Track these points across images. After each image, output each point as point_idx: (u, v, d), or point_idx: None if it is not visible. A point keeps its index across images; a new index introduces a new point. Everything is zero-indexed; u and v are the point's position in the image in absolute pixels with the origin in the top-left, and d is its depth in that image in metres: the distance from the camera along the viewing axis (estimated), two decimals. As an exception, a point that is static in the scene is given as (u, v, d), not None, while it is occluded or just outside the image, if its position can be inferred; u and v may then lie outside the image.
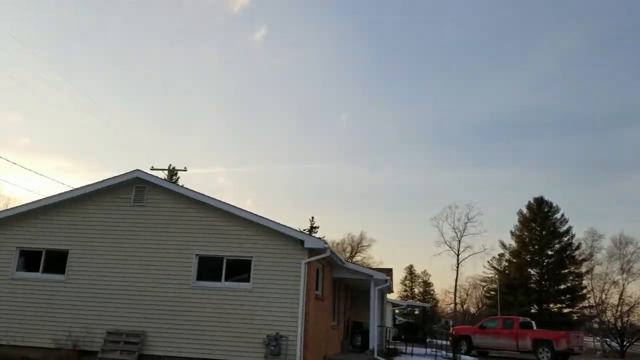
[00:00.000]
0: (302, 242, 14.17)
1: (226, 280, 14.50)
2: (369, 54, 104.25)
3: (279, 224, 14.35)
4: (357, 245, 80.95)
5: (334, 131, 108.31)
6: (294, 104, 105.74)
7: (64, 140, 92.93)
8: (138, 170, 15.54)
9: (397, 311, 44.57)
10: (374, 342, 17.90)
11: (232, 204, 14.82)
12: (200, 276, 14.62)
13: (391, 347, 25.31)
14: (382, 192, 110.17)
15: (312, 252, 14.27)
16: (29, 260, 15.57)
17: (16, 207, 15.69)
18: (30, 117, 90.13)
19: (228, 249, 14.63)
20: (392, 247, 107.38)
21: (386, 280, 18.22)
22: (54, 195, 15.54)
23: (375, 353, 17.58)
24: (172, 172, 42.02)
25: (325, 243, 14.31)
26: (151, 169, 37.48)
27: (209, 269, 14.67)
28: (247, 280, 14.33)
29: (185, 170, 40.31)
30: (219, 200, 14.88)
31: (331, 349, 17.50)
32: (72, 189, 15.78)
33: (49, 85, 70.41)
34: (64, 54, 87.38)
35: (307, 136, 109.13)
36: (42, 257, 15.42)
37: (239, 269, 14.56)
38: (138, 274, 14.69)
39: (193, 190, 15.25)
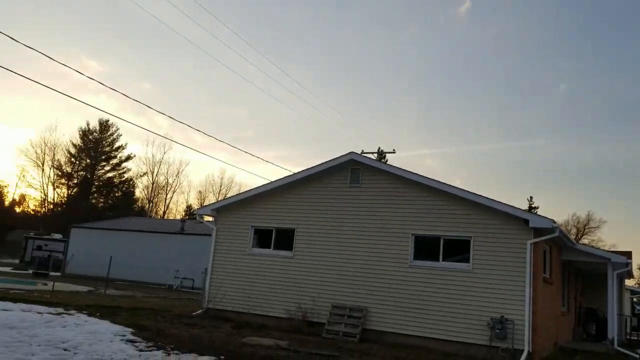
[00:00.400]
0: (526, 222, 13.16)
1: (444, 260, 14.20)
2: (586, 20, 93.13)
3: (499, 202, 13.55)
4: (583, 227, 73.82)
5: (550, 103, 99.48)
6: (503, 77, 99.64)
7: (280, 131, 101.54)
8: (352, 152, 16.03)
9: (635, 299, 39.52)
10: (613, 332, 15.99)
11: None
12: (417, 255, 14.56)
13: (631, 337, 22.44)
14: (611, 167, 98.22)
15: (538, 232, 13.17)
16: (262, 237, 17.18)
17: (250, 190, 17.41)
18: (253, 111, 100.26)
19: (445, 229, 14.30)
20: (628, 229, 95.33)
21: (627, 264, 16.08)
22: (280, 179, 16.87)
23: (616, 344, 15.69)
24: (381, 155, 42.93)
25: (554, 222, 13.07)
26: (361, 153, 38.65)
27: (425, 248, 14.53)
28: (466, 260, 13.84)
29: (393, 153, 40.89)
30: (434, 180, 14.60)
31: (562, 336, 16.11)
32: (294, 172, 16.95)
33: (267, 80, 77.27)
34: (279, 48, 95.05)
35: (519, 111, 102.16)
36: (273, 235, 16.88)
37: (457, 249, 14.13)
38: (357, 252, 15.21)
39: (407, 170, 15.20)
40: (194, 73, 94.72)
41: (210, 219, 18.03)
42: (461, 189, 14.17)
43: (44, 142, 71.17)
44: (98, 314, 14.69)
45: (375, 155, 41.89)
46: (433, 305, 13.84)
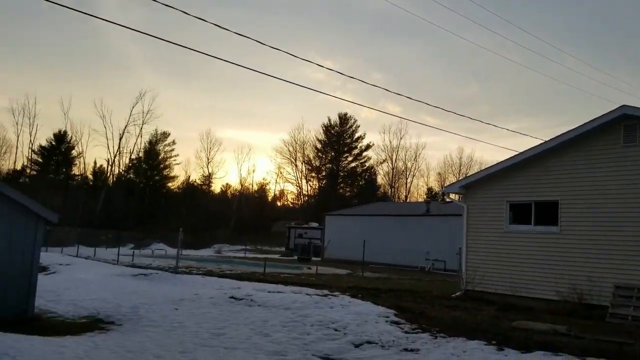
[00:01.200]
0: None
1: None
2: None
3: None
4: None
5: None
6: None
7: (518, 100, 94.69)
8: (625, 105, 13.52)
9: None
10: None
11: None
12: None
13: None
14: None
15: None
16: (518, 213, 15.69)
17: (501, 162, 16.01)
18: (484, 85, 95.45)
19: None
20: None
21: None
22: (535, 147, 15.16)
23: None
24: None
25: None
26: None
27: None
28: None
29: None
30: None
31: None
32: (552, 138, 15.04)
33: (496, 49, 72.52)
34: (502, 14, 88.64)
35: None
36: (532, 210, 15.26)
37: None
38: (642, 223, 12.77)
39: None
40: (412, 57, 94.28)
41: (456, 197, 17.19)
42: None
43: (295, 141, 78.43)
44: (360, 295, 15.05)
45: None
46: None
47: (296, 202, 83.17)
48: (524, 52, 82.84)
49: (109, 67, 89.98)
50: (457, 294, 16.28)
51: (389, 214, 35.20)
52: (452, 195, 18.15)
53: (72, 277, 16.72)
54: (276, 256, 43.72)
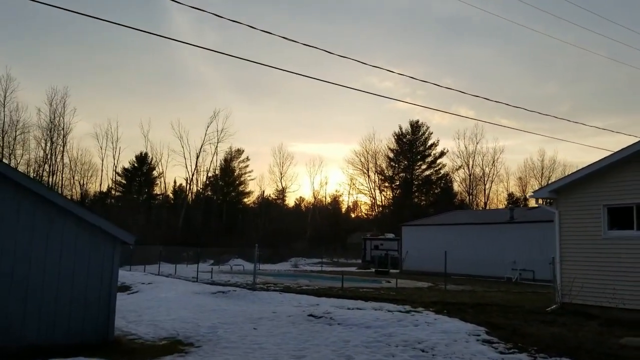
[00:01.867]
0: None
1: None
2: None
3: None
4: None
5: None
6: None
7: (601, 98, 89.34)
8: None
9: None
10: None
11: None
12: None
13: None
14: None
15: None
16: (617, 217, 14.27)
17: (596, 162, 14.62)
18: (563, 84, 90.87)
19: None
20: None
21: None
22: (635, 144, 13.75)
23: None
24: None
25: None
26: None
27: None
28: None
29: None
30: None
31: None
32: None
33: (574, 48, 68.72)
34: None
35: None
36: (634, 213, 13.82)
37: None
38: None
39: None
40: (482, 59, 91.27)
41: (542, 201, 15.95)
42: None
43: (366, 151, 77.79)
44: (445, 311, 14.17)
45: None
46: None
47: (370, 213, 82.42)
48: (604, 48, 78.20)
49: (184, 89, 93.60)
50: (552, 307, 14.99)
51: (471, 222, 33.63)
52: (539, 201, 16.90)
53: (154, 296, 16.91)
54: (353, 269, 43.12)
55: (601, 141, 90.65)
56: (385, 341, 10.39)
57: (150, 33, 10.11)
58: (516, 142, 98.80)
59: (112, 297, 9.67)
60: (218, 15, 10.12)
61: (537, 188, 73.98)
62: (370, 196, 79.89)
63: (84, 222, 9.41)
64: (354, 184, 79.81)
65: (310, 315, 12.79)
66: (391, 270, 35.37)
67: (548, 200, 16.09)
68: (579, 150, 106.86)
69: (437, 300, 16.13)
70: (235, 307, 14.29)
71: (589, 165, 14.71)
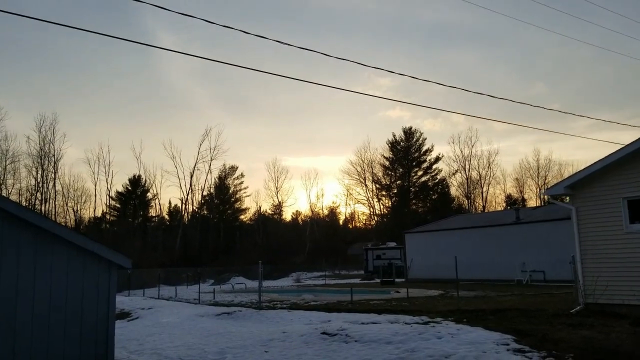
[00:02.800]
0: None
1: None
2: None
3: None
4: None
5: None
6: None
7: (591, 95, 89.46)
8: None
9: None
10: None
11: None
12: None
13: None
14: None
15: None
16: (636, 210, 13.57)
17: (613, 153, 13.89)
18: (554, 83, 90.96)
19: None
20: None
21: None
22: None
23: None
24: None
25: None
26: None
27: None
28: None
29: None
30: None
31: None
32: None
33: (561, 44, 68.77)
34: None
35: None
36: (656, 205, 13.13)
37: None
38: None
39: None
40: (470, 64, 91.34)
41: (545, 198, 15.18)
42: None
43: (362, 160, 77.20)
44: (465, 320, 13.37)
45: None
46: None
47: (369, 222, 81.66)
48: (586, 46, 78.17)
49: (173, 110, 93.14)
50: (576, 308, 14.22)
51: (475, 226, 32.80)
52: (545, 197, 16.16)
53: (155, 321, 16.02)
54: (357, 280, 42.20)
55: (592, 138, 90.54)
56: (408, 358, 9.61)
57: (131, 41, 9.35)
58: (509, 144, 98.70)
59: (110, 327, 8.82)
60: (208, 21, 9.41)
61: (535, 188, 73.82)
62: (368, 206, 79.20)
63: (74, 247, 8.59)
64: (350, 194, 79.14)
65: (324, 333, 11.95)
66: (397, 280, 34.53)
67: (560, 197, 15.36)
68: (573, 148, 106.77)
69: (453, 309, 15.32)
70: (243, 329, 13.43)
71: (605, 157, 13.99)
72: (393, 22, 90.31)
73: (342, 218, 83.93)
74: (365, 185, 77.66)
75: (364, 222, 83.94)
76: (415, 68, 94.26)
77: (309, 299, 21.48)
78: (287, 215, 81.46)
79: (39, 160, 60.73)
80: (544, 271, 27.56)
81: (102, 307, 8.73)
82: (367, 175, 77.44)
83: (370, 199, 78.40)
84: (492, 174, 74.21)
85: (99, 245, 8.96)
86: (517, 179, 74.94)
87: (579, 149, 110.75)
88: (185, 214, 69.92)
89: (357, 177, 77.23)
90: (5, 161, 58.23)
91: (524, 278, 28.10)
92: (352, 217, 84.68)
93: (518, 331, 11.47)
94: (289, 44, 10.64)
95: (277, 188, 75.97)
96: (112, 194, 67.97)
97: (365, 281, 39.22)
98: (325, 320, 14.15)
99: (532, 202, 72.07)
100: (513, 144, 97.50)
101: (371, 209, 79.26)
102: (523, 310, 14.90)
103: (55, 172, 61.97)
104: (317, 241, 71.46)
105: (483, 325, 12.20)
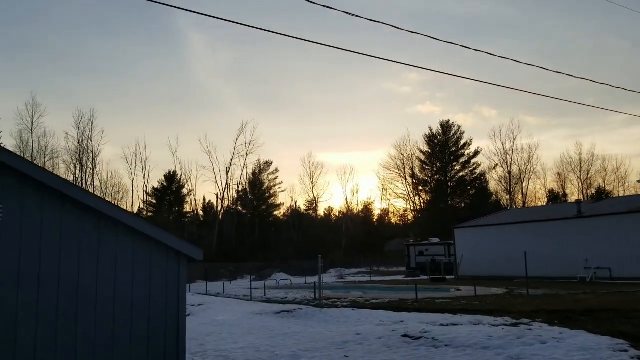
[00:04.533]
0: None
1: None
2: None
3: None
4: None
5: None
6: None
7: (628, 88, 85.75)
8: None
9: None
10: None
11: None
12: None
13: None
14: None
15: None
16: None
17: None
18: (589, 76, 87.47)
19: None
20: None
21: None
22: None
23: None
24: None
25: None
26: None
27: None
28: None
29: None
30: None
31: None
32: None
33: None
34: None
35: None
36: None
37: None
38: None
39: None
40: (500, 58, 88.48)
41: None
42: None
43: (402, 154, 75.35)
44: (556, 321, 11.98)
45: None
46: None
47: (405, 218, 79.92)
48: (624, 37, 74.83)
49: (206, 108, 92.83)
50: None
51: (533, 220, 30.88)
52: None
53: (210, 319, 14.99)
54: (400, 277, 40.78)
55: (630, 132, 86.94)
56: (519, 366, 8.31)
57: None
58: (546, 137, 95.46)
59: (181, 326, 7.75)
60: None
61: (577, 183, 71.09)
62: (408, 200, 77.46)
63: (139, 235, 7.54)
64: (387, 189, 77.37)
65: (405, 335, 10.72)
66: (447, 277, 33.01)
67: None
68: (610, 143, 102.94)
69: (535, 309, 13.85)
70: (310, 329, 12.28)
71: None
72: (423, 13, 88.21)
73: (377, 214, 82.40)
74: (405, 180, 75.96)
75: (400, 218, 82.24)
76: (445, 62, 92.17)
77: (366, 296, 20.24)
78: (321, 211, 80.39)
79: (77, 156, 60.91)
80: (610, 268, 25.73)
81: (171, 306, 7.66)
82: (407, 170, 75.70)
83: (409, 193, 76.67)
84: (532, 169, 71.53)
85: (167, 233, 7.89)
86: (559, 173, 72.13)
87: (617, 143, 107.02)
88: (222, 209, 69.40)
89: (397, 171, 75.51)
90: (45, 157, 58.53)
91: (587, 275, 26.30)
92: (387, 213, 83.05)
93: (627, 335, 10.11)
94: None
95: (312, 183, 74.82)
96: (149, 190, 67.88)
97: (410, 278, 37.75)
98: (397, 320, 12.91)
99: (574, 197, 69.50)
100: (549, 138, 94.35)
101: (411, 204, 77.49)
102: (616, 311, 13.37)
103: (93, 168, 62.08)
104: (353, 237, 70.12)
105: (582, 328, 10.83)
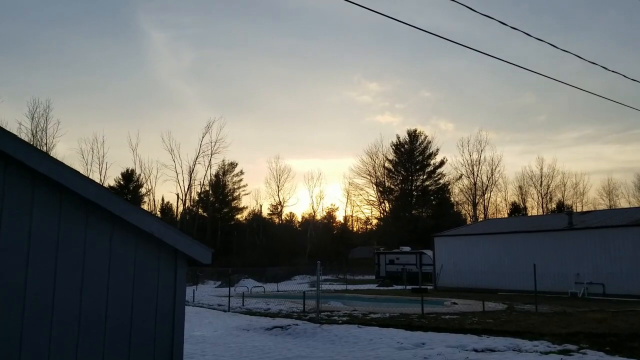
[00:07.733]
0: None
1: None
2: None
3: None
4: None
5: None
6: None
7: (578, 109, 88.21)
8: None
9: None
10: None
11: None
12: None
13: None
14: None
15: None
16: None
17: None
18: (542, 95, 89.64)
19: None
20: None
21: None
22: None
23: None
24: None
25: None
26: None
27: None
28: None
29: None
30: None
31: None
32: None
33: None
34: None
35: None
36: None
37: None
38: None
39: None
40: (459, 72, 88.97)
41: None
42: None
43: (373, 160, 73.97)
44: (607, 348, 10.20)
45: None
46: None
47: (371, 225, 78.43)
48: (576, 59, 76.00)
49: (171, 105, 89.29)
50: None
51: (520, 231, 29.47)
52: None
53: (187, 334, 12.50)
54: (372, 286, 38.89)
55: (578, 151, 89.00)
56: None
57: None
58: (513, 153, 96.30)
59: (177, 336, 5.51)
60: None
61: (537, 197, 71.50)
62: (376, 207, 76.10)
63: (129, 226, 5.27)
64: (353, 197, 75.74)
65: (444, 364, 8.65)
66: (427, 287, 31.27)
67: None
68: (561, 161, 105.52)
69: (574, 331, 12.06)
70: (317, 353, 10.05)
71: None
72: (383, 27, 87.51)
73: (342, 221, 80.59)
74: (376, 186, 74.52)
75: (364, 226, 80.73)
76: (405, 75, 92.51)
77: (336, 307, 18.27)
78: (287, 216, 78.02)
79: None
80: (604, 284, 24.47)
81: (164, 312, 5.42)
82: (371, 178, 74.32)
83: (378, 199, 75.29)
84: (494, 181, 71.37)
85: (164, 225, 5.63)
86: (520, 186, 72.32)
87: (567, 161, 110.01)
88: (182, 210, 66.06)
89: (368, 177, 74.02)
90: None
91: (579, 291, 25.00)
92: (352, 220, 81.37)
93: None
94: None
95: (278, 187, 72.36)
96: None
97: (385, 287, 35.91)
98: (417, 342, 10.84)
99: (534, 211, 69.81)
100: (507, 152, 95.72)
101: (382, 210, 76.02)
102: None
103: (45, 162, 57.76)
104: (318, 244, 68.04)
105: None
